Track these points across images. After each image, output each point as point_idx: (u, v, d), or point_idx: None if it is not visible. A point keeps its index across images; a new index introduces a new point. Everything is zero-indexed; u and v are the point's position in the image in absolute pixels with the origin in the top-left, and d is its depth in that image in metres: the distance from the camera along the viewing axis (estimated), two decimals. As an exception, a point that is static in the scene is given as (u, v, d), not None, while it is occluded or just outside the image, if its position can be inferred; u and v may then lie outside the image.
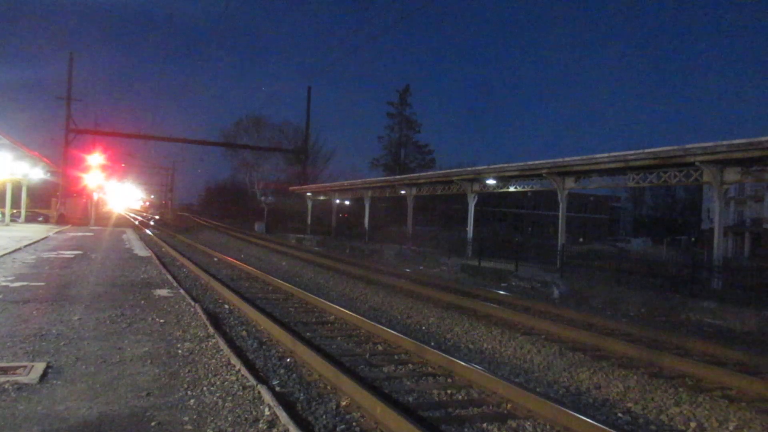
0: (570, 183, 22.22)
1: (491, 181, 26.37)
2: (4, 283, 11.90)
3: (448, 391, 6.34)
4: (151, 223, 61.15)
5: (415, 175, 36.42)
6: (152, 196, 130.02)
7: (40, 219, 45.43)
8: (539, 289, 17.03)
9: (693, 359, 8.34)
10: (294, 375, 6.72)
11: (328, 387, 6.24)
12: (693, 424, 5.84)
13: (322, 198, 48.75)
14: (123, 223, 54.65)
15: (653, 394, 6.68)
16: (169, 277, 14.28)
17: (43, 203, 48.88)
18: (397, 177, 39.69)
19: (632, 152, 18.70)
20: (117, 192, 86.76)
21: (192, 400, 5.36)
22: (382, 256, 27.46)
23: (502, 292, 15.15)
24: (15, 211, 41.56)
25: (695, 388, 7.01)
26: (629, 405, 6.38)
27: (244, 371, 6.21)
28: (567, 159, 20.85)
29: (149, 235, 35.50)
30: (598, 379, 7.26)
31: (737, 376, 7.29)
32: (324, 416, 5.41)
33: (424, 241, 29.99)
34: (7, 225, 35.62)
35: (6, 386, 5.42)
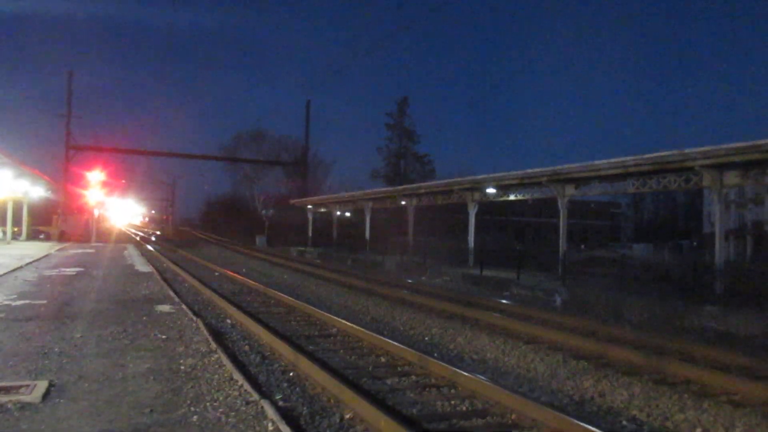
0: (570, 190, 22.22)
1: (491, 190, 26.37)
2: (6, 302, 11.90)
3: (452, 402, 6.32)
4: (152, 238, 61.21)
5: (415, 185, 36.42)
6: (153, 212, 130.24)
7: (42, 236, 45.42)
8: (541, 297, 16.99)
9: (697, 365, 8.31)
10: (297, 389, 6.70)
11: (332, 400, 6.23)
12: (698, 431, 5.82)
13: (322, 210, 48.77)
14: (124, 239, 54.71)
15: (658, 401, 6.65)
16: (171, 293, 14.27)
17: (44, 221, 48.89)
18: (397, 188, 39.70)
19: (631, 158, 18.71)
20: (118, 208, 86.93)
21: (195, 417, 5.34)
22: (384, 268, 27.43)
23: (504, 301, 15.12)
24: (16, 229, 41.60)
25: (700, 394, 6.98)
26: (634, 412, 6.36)
27: (246, 386, 6.19)
28: (566, 166, 20.86)
29: (150, 250, 35.51)
30: (602, 386, 7.23)
31: (742, 381, 7.26)
32: (327, 430, 5.40)
33: (426, 252, 29.94)
34: (9, 243, 35.63)
35: (9, 405, 5.42)
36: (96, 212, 51.62)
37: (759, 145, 14.53)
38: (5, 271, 17.92)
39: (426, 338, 10.38)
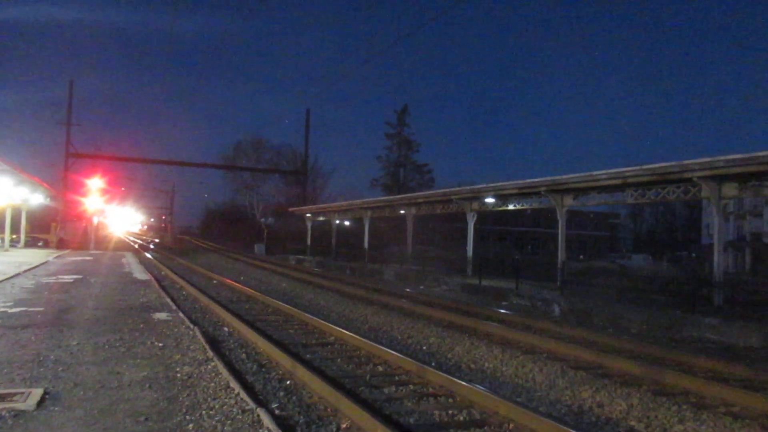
0: (569, 200, 22.23)
1: (490, 200, 26.38)
2: (2, 309, 11.85)
3: (450, 412, 6.29)
4: (151, 246, 61.09)
5: (414, 194, 36.45)
6: (152, 219, 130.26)
7: (40, 244, 45.36)
8: (540, 307, 16.96)
9: (696, 376, 8.28)
10: (294, 397, 6.66)
11: (329, 409, 6.19)
12: (697, 442, 5.78)
13: (321, 219, 48.77)
14: (122, 246, 54.59)
15: (656, 412, 6.61)
16: (168, 301, 14.23)
17: (42, 228, 48.82)
18: (396, 197, 39.75)
19: (630, 169, 18.73)
20: (116, 216, 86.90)
21: (191, 425, 5.31)
22: (383, 277, 27.39)
23: (503, 311, 15.09)
24: (14, 236, 41.52)
25: (699, 405, 6.95)
26: (632, 423, 6.32)
27: (243, 394, 6.15)
28: (565, 177, 20.87)
29: (149, 258, 35.45)
30: (600, 397, 7.20)
31: (741, 393, 7.24)
32: (324, 439, 5.36)
33: (424, 261, 29.93)
34: (7, 250, 35.57)
35: (3, 413, 5.37)
36: (95, 220, 51.58)
37: (757, 156, 14.56)
38: (3, 278, 17.87)
39: (424, 347, 10.34)
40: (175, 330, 10.15)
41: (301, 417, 5.95)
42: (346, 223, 47.71)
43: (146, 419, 5.41)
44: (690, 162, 16.56)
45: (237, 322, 11.37)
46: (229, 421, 5.39)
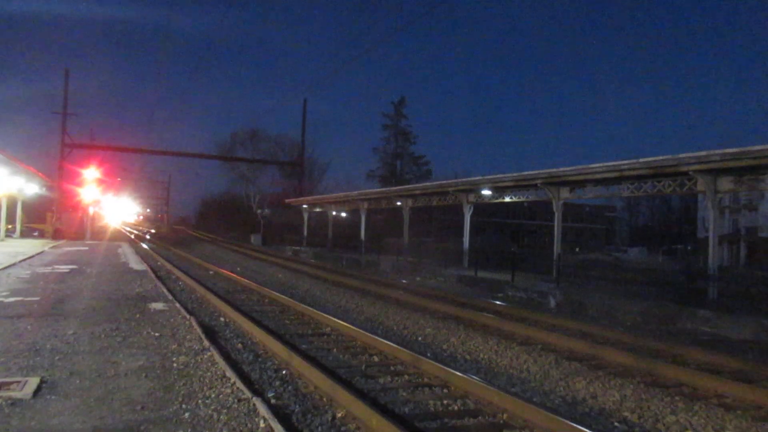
0: (565, 193, 22.26)
1: (486, 192, 26.39)
2: (-2, 298, 11.84)
3: (444, 402, 6.33)
4: (147, 237, 60.97)
5: (411, 186, 36.48)
6: (148, 210, 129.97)
7: (36, 234, 45.22)
8: (536, 299, 17.02)
9: (689, 368, 8.35)
10: (290, 387, 6.70)
11: (324, 399, 6.22)
12: (689, 433, 5.84)
13: (318, 210, 48.76)
14: (119, 237, 54.47)
15: (650, 403, 6.67)
16: (165, 291, 14.23)
17: (38, 218, 48.67)
18: (393, 188, 39.71)
19: (626, 162, 18.75)
20: (113, 206, 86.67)
21: (187, 414, 5.33)
22: (379, 268, 27.43)
23: (498, 303, 15.14)
24: (10, 226, 41.40)
25: (692, 397, 7.02)
26: (626, 414, 6.38)
27: (239, 384, 6.18)
28: (561, 169, 20.90)
29: (145, 248, 35.40)
30: (594, 388, 7.25)
31: (733, 384, 7.30)
32: (319, 428, 5.40)
33: (421, 252, 29.98)
34: (3, 240, 35.46)
35: (-1, 401, 5.40)
36: (91, 210, 51.44)
37: (752, 151, 14.61)
38: (-2, 267, 17.83)
39: (419, 338, 10.39)
40: (172, 320, 10.17)
41: (297, 406, 5.98)
42: (343, 214, 47.69)
43: (142, 408, 5.44)
44: (685, 156, 16.60)
45: (233, 312, 11.39)
46: (225, 410, 5.42)
